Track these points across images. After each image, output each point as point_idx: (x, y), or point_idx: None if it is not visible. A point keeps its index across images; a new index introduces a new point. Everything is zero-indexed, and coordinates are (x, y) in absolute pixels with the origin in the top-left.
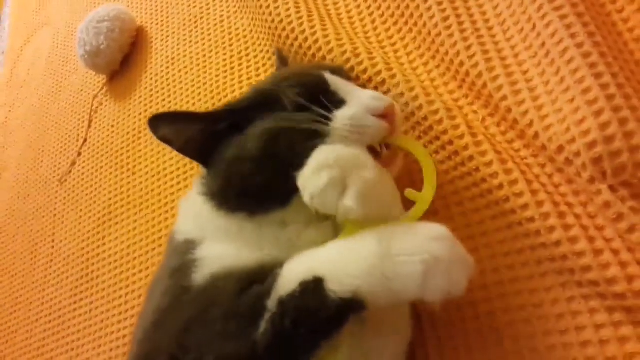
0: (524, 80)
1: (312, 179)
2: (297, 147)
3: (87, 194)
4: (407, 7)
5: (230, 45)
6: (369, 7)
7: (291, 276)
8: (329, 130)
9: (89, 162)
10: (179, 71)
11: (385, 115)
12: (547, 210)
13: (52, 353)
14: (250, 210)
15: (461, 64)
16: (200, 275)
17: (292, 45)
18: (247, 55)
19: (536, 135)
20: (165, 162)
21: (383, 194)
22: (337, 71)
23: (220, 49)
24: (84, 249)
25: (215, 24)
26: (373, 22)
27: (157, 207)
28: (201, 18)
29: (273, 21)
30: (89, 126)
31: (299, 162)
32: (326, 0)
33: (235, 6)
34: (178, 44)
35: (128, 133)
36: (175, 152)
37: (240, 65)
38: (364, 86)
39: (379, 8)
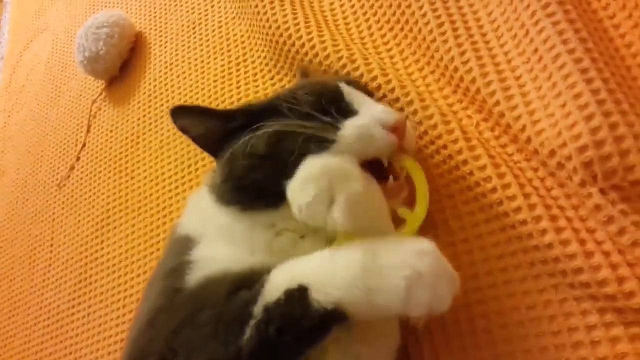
0: (516, 86)
1: (299, 191)
2: (301, 150)
3: (85, 199)
4: (403, 13)
5: (228, 51)
6: (365, 13)
7: (277, 283)
8: (336, 137)
9: (88, 167)
10: (177, 76)
11: (395, 129)
12: (539, 213)
13: (50, 357)
14: (242, 204)
15: (455, 69)
16: (194, 277)
17: (289, 50)
18: (245, 60)
19: (528, 140)
20: (164, 166)
21: (371, 206)
22: (355, 83)
23: (218, 54)
24: (82, 253)
25: (214, 30)
26: (369, 28)
27: (155, 212)
28: (199, 24)
29: (270, 27)
30: (88, 131)
31: (298, 166)
32: (323, 6)
33: (233, 12)
34: (176, 50)
35: (126, 138)
36: (173, 157)
37: (238, 70)
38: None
39: (374, 14)
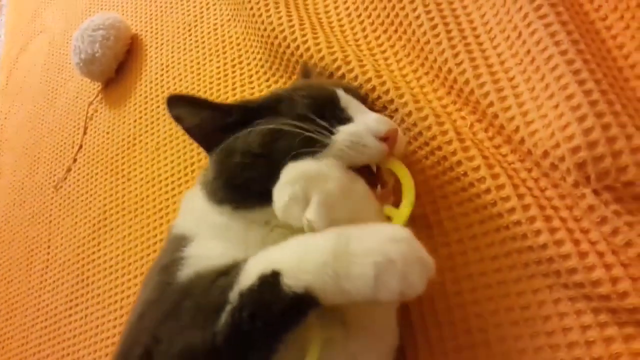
0: (510, 87)
1: (277, 194)
2: (295, 151)
3: (82, 200)
4: (397, 15)
5: (224, 53)
6: (359, 16)
7: (252, 270)
8: (329, 142)
9: (84, 169)
10: (173, 78)
11: (386, 138)
12: (533, 214)
13: (48, 358)
14: (235, 203)
15: (449, 71)
16: (185, 273)
17: (284, 52)
18: (241, 62)
19: (522, 141)
20: (160, 168)
21: (350, 204)
22: (352, 90)
23: (213, 56)
24: (80, 254)
25: (209, 32)
26: (363, 30)
27: (151, 213)
28: (195, 26)
29: (265, 29)
30: (84, 133)
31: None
32: (317, 8)
33: (228, 15)
34: (172, 52)
35: (123, 140)
36: (169, 159)
37: (233, 72)
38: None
39: (369, 16)
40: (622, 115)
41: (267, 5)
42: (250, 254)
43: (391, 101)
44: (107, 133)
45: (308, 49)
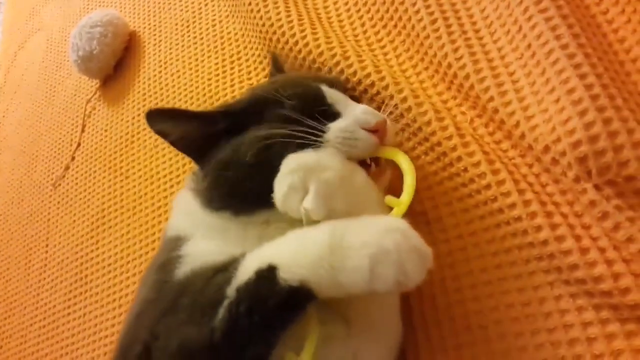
0: (510, 82)
1: (277, 185)
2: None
3: (80, 198)
4: (396, 10)
5: (222, 49)
6: (358, 11)
7: (249, 265)
8: (322, 141)
9: (83, 167)
10: (172, 75)
11: (376, 130)
12: (534, 210)
13: (46, 357)
14: (235, 210)
15: (449, 66)
16: (182, 270)
17: (282, 48)
18: (239, 58)
19: (523, 136)
20: (158, 165)
21: (349, 194)
22: (335, 83)
23: (212, 52)
24: (78, 253)
25: (207, 28)
26: (362, 25)
27: (150, 211)
28: (193, 22)
29: (264, 25)
30: (83, 130)
31: None
32: (316, 3)
33: (226, 10)
34: (170, 48)
35: (121, 137)
36: (168, 156)
37: (232, 68)
38: (353, 90)
39: (368, 12)
40: (623, 109)
41: (265, 1)
42: (248, 250)
43: (391, 97)
44: (105, 131)
45: (307, 45)
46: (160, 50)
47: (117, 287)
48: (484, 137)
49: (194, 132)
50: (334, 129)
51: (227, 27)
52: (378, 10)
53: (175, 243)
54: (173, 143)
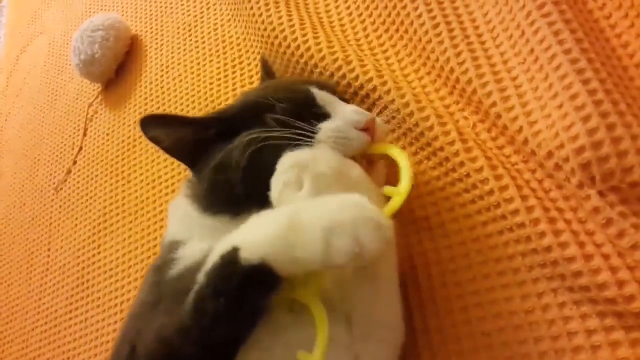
0: (513, 87)
1: (274, 184)
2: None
3: (82, 202)
4: (398, 14)
5: (224, 53)
6: (360, 15)
7: (217, 250)
8: (313, 142)
9: (85, 171)
10: (173, 79)
11: (366, 128)
12: (537, 216)
13: None
14: (233, 213)
15: (451, 70)
16: (174, 271)
17: (284, 52)
18: (241, 62)
19: (525, 141)
20: (160, 169)
21: (347, 186)
22: (324, 86)
23: (214, 56)
24: (80, 257)
25: (209, 32)
26: (364, 29)
27: (152, 215)
28: (195, 26)
29: (265, 29)
30: (84, 134)
31: None
32: (318, 8)
33: (228, 14)
34: (172, 52)
35: (123, 141)
36: (169, 160)
37: (234, 72)
38: (355, 95)
39: (370, 15)
40: (627, 114)
41: (267, 5)
42: None
43: (392, 101)
44: (107, 134)
45: (309, 49)
46: (162, 54)
47: (118, 291)
48: (487, 142)
49: (187, 138)
50: (325, 129)
51: (228, 31)
52: (380, 14)
53: (172, 247)
54: (166, 149)
